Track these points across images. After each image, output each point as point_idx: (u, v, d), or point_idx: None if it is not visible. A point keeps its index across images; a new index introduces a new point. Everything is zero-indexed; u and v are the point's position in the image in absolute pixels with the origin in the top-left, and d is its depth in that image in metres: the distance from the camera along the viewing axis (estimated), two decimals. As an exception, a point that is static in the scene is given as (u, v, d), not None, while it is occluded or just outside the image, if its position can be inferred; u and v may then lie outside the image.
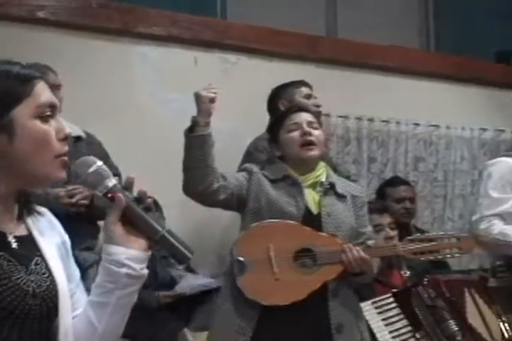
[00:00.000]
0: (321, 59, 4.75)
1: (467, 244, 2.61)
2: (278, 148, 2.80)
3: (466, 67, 5.30)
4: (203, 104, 2.57)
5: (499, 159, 3.06)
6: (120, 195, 1.33)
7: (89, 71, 3.98)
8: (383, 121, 4.89)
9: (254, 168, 2.74)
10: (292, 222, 2.58)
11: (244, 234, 2.64)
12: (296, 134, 2.72)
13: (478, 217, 2.95)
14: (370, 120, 4.84)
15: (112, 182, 1.34)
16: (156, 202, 3.41)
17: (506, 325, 2.91)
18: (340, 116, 4.73)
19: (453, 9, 5.72)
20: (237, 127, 4.28)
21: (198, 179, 2.57)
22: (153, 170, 3.73)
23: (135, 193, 1.37)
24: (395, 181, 4.28)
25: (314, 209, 2.66)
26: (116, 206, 1.32)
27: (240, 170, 2.82)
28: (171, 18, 4.22)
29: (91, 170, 1.34)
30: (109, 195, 1.33)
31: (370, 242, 2.63)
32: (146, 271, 1.35)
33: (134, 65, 4.20)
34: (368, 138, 4.83)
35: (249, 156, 3.47)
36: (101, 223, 3.11)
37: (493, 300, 2.99)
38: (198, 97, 2.59)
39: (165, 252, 1.34)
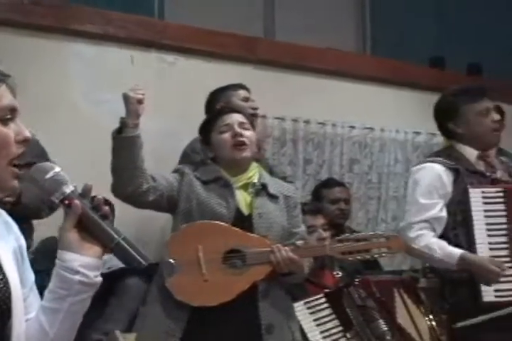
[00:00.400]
0: (258, 60, 4.77)
1: (395, 243, 2.63)
2: (210, 149, 2.80)
3: (401, 71, 5.39)
4: (131, 105, 2.56)
5: (424, 165, 3.07)
6: (77, 201, 1.33)
7: (23, 69, 3.90)
8: (319, 123, 4.94)
9: (186, 169, 2.74)
10: (222, 223, 2.59)
11: (173, 235, 2.63)
12: (227, 135, 2.72)
13: (407, 224, 2.96)
14: (307, 122, 4.88)
15: (69, 188, 1.35)
16: (111, 205, 3.39)
17: (434, 324, 2.96)
18: (277, 118, 4.75)
19: (389, 14, 5.81)
20: (175, 128, 4.26)
21: (126, 180, 2.56)
22: (88, 171, 3.68)
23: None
24: (330, 182, 4.33)
25: (245, 211, 2.67)
26: (72, 213, 1.33)
27: (173, 171, 2.81)
28: (106, 17, 4.18)
29: (48, 176, 1.34)
30: (66, 202, 1.34)
31: (299, 242, 2.64)
32: (99, 279, 1.37)
33: (69, 63, 4.15)
34: (303, 140, 4.87)
35: (185, 158, 3.46)
36: (34, 222, 3.07)
37: (421, 300, 3.04)
38: (125, 98, 2.58)
39: (119, 259, 1.36)
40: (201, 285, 2.52)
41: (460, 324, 2.57)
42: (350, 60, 5.23)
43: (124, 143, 2.55)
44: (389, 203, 5.17)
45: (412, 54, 5.66)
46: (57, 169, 1.36)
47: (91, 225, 1.34)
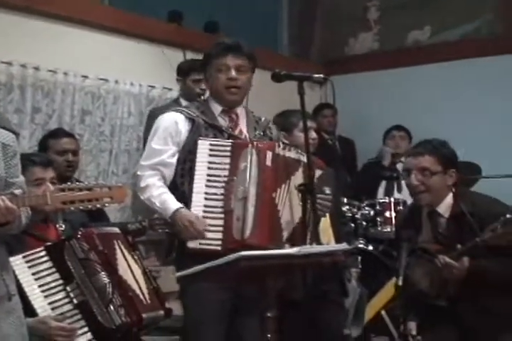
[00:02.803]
0: (-17, -1, 4.44)
1: (118, 193, 2.60)
2: None
3: (138, 24, 5.35)
4: None
5: (167, 113, 3.18)
6: None
7: None
8: (50, 70, 4.74)
9: None
10: None
11: None
12: None
13: (137, 167, 3.08)
14: (36, 68, 4.65)
15: None
16: None
17: (149, 274, 3.00)
18: (3, 62, 4.48)
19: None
20: None
21: None
22: None
23: None
24: (57, 133, 4.16)
25: (-40, 159, 2.47)
26: None
27: None
28: None
29: None
30: None
31: (17, 191, 2.50)
32: None
33: None
34: (32, 87, 4.64)
35: None
36: None
37: (138, 252, 3.06)
38: None
39: None
40: None
41: (178, 273, 2.62)
42: (85, 7, 5.06)
43: None
44: (120, 156, 5.15)
45: (151, 7, 5.63)
46: None
47: None
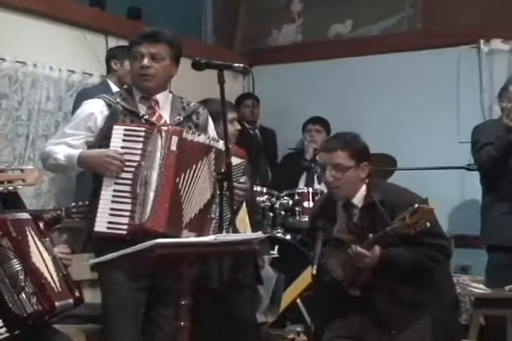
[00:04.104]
0: None
1: (30, 175, 2.64)
2: None
3: (59, 6, 5.22)
4: None
5: (90, 100, 3.23)
6: None
7: None
8: (-35, 52, 4.59)
9: None
10: None
11: None
12: None
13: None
14: (-49, 50, 4.50)
15: None
16: None
17: (61, 263, 2.95)
18: None
19: None
20: None
21: None
22: None
23: None
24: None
25: None
26: None
27: None
28: None
29: None
30: None
31: None
32: None
33: None
34: None
35: None
36: None
37: (48, 239, 3.00)
38: None
39: None
40: None
41: (91, 261, 2.59)
42: (4, -13, 4.90)
43: None
44: (38, 141, 5.04)
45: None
46: None
47: None
